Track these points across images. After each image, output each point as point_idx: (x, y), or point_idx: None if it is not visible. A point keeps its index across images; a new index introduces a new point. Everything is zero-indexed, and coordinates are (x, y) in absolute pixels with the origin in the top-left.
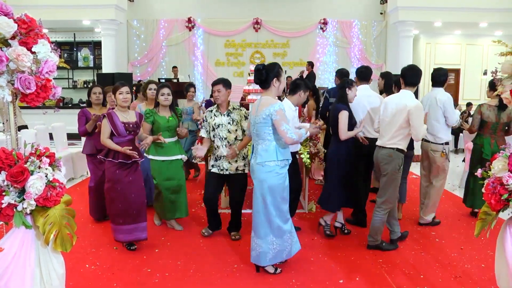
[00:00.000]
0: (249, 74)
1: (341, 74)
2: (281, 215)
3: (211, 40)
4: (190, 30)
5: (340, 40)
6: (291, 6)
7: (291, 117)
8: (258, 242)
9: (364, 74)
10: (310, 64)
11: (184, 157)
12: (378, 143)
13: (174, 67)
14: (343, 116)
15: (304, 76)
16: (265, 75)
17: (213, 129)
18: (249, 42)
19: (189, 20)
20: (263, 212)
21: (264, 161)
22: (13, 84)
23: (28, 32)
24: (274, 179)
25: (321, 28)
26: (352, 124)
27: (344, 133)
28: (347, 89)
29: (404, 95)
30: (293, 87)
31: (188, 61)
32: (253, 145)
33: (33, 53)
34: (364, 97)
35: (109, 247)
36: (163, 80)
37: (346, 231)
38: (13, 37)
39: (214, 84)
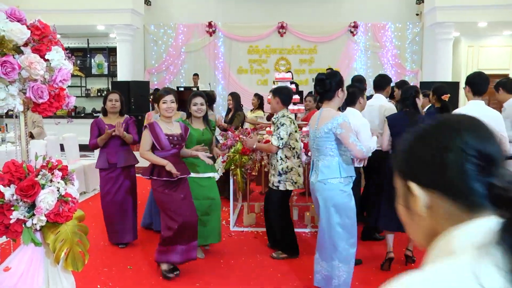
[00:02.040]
0: (274, 83)
1: (353, 81)
2: (348, 237)
3: (233, 46)
4: (210, 35)
5: (371, 44)
6: (318, 8)
7: (363, 125)
8: (323, 264)
9: (379, 83)
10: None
11: (216, 175)
12: None
13: (195, 74)
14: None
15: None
16: (329, 85)
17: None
18: (273, 48)
19: (209, 25)
20: (327, 233)
21: (326, 179)
22: (24, 93)
23: (41, 39)
24: (338, 197)
25: (351, 32)
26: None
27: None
28: (360, 97)
29: (475, 107)
30: (351, 99)
31: (208, 68)
32: (312, 161)
33: (46, 60)
34: (377, 107)
35: (123, 267)
36: (182, 89)
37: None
38: (25, 44)
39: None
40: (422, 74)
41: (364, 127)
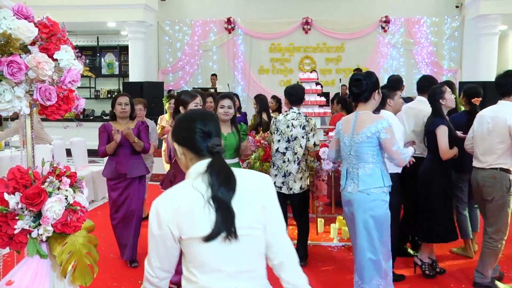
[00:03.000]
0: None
1: (390, 82)
2: (387, 251)
3: (253, 44)
4: (229, 32)
5: (405, 41)
6: (346, 3)
7: (401, 132)
8: (364, 287)
9: (422, 85)
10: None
11: None
12: (475, 164)
13: (213, 75)
14: (442, 132)
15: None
16: (365, 85)
17: (288, 141)
18: (297, 46)
19: (228, 21)
20: (369, 250)
21: (368, 188)
22: (31, 95)
23: (49, 37)
24: (380, 208)
25: (383, 28)
26: (451, 140)
27: (446, 152)
28: (389, 99)
29: (503, 107)
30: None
31: (227, 68)
32: (346, 170)
33: (55, 60)
34: (416, 111)
35: (133, 282)
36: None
37: (438, 269)
38: (33, 43)
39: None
40: (462, 73)
41: (398, 130)
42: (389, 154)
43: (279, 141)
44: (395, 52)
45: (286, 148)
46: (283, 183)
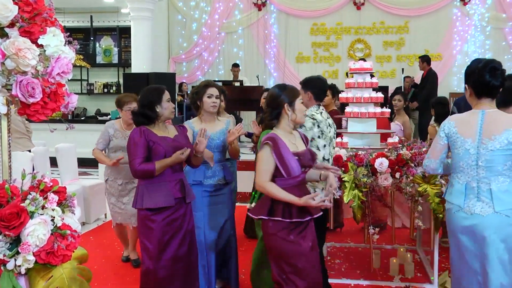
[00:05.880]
0: (346, 75)
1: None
2: None
3: (290, 24)
4: (259, 9)
5: (493, 16)
6: None
7: None
8: None
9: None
10: (426, 60)
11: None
12: None
13: (235, 65)
14: None
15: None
16: (500, 77)
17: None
18: (346, 27)
19: None
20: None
21: (509, 209)
22: (9, 90)
23: (33, 18)
24: None
25: (461, 0)
26: None
27: None
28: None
29: None
30: (508, 96)
31: (256, 56)
32: (465, 185)
33: (40, 46)
34: None
35: None
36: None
37: None
38: (11, 25)
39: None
40: None
41: None
42: None
43: (324, 146)
44: (479, 32)
45: (330, 154)
46: None
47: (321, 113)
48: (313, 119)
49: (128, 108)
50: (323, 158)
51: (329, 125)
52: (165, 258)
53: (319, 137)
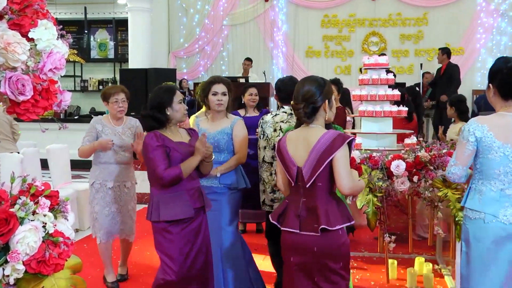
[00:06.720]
0: (360, 71)
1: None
2: None
3: (299, 16)
4: (266, 0)
5: None
6: None
7: None
8: None
9: None
10: (446, 52)
11: None
12: None
13: (247, 59)
14: None
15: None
16: None
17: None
18: (360, 18)
19: None
20: None
21: None
22: None
23: (23, 9)
24: None
25: None
26: None
27: None
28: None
29: None
30: None
31: (262, 50)
32: (500, 192)
33: (31, 40)
34: None
35: None
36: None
37: None
38: (0, 17)
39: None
40: None
41: None
42: None
43: (265, 148)
44: (505, 22)
45: (273, 158)
46: (273, 200)
47: (275, 115)
48: (262, 118)
49: (115, 100)
50: (263, 160)
51: (280, 129)
52: (187, 269)
53: (260, 137)
